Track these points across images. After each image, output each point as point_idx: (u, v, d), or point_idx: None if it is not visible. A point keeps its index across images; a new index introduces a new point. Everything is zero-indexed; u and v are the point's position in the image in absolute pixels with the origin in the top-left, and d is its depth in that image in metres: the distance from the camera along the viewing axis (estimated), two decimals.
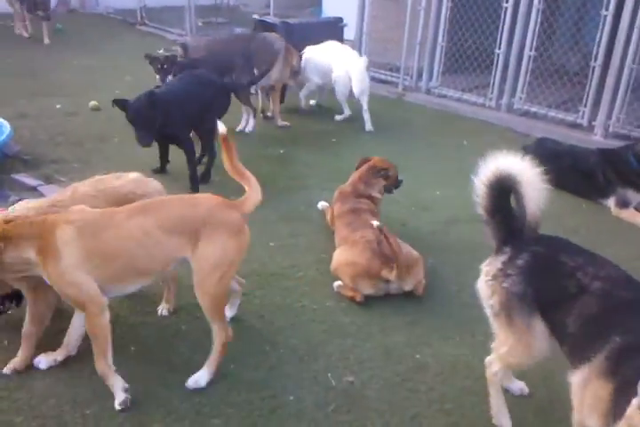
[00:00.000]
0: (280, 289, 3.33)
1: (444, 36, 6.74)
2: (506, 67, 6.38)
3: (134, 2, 11.18)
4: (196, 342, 2.84)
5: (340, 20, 7.88)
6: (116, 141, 5.44)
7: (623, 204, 4.39)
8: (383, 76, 7.57)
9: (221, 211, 2.51)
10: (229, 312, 3.00)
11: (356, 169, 4.03)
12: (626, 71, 5.52)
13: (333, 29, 7.66)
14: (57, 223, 2.39)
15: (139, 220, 2.43)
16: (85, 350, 2.73)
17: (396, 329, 3.04)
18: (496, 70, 6.45)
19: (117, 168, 4.65)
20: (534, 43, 6.06)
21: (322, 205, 4.25)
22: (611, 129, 5.82)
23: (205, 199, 2.59)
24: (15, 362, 2.64)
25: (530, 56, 6.14)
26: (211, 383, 2.59)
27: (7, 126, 4.80)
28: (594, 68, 5.77)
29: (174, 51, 5.66)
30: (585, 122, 6.02)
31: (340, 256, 3.37)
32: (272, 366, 2.74)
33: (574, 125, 6.11)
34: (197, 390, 2.55)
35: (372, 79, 7.65)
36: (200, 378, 2.58)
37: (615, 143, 5.59)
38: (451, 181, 4.97)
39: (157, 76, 5.29)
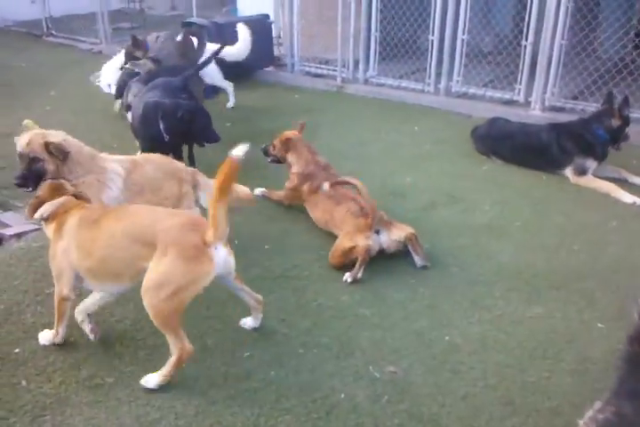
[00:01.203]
0: (291, 290, 3.30)
1: (377, 25, 6.85)
2: (440, 52, 6.57)
3: (36, 13, 10.55)
4: (228, 354, 2.78)
5: (267, 17, 7.84)
6: None
7: (582, 171, 4.67)
8: (319, 71, 7.60)
9: (180, 232, 2.48)
10: (252, 322, 2.95)
11: (285, 151, 4.24)
12: (556, 47, 5.85)
13: (262, 27, 7.62)
14: (72, 213, 2.69)
15: (111, 223, 2.60)
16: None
17: (418, 315, 3.10)
18: (431, 56, 6.64)
19: None
20: (466, 26, 6.29)
21: (259, 191, 4.41)
22: (547, 103, 6.15)
23: (172, 217, 2.61)
24: None
25: (463, 40, 6.37)
26: (258, 392, 2.55)
27: None
28: (525, 46, 6.07)
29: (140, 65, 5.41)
30: (521, 98, 6.33)
31: (337, 243, 3.57)
32: (312, 367, 2.72)
33: (511, 102, 6.43)
34: (247, 403, 2.50)
35: (308, 74, 7.73)
36: (150, 379, 2.58)
37: (552, 116, 5.95)
38: (416, 166, 5.10)
39: None
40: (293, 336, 2.93)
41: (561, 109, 6.13)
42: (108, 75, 6.02)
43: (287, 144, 4.23)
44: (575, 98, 6.21)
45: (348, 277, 3.34)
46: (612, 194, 4.49)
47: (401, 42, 6.94)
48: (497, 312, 3.13)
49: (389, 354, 2.82)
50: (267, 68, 7.93)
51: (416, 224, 3.91)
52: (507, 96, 6.42)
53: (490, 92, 6.52)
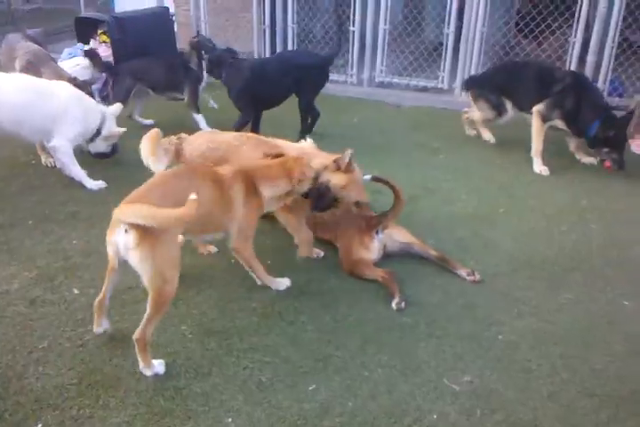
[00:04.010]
0: (321, 307, 3.04)
1: (293, 17, 6.61)
2: (361, 42, 6.51)
3: None
4: (291, 389, 2.49)
5: (167, 9, 7.23)
6: None
7: (546, 119, 4.77)
8: None
9: None
10: None
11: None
12: (477, 35, 6.02)
13: (164, 21, 7.03)
14: None
15: None
16: None
17: (460, 316, 3.00)
18: (353, 47, 6.54)
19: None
20: (388, 16, 6.26)
21: None
22: None
23: None
24: None
25: (385, 30, 6.35)
26: None
27: None
28: (447, 34, 6.18)
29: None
30: (445, 86, 6.46)
31: (343, 254, 3.40)
32: (386, 390, 2.51)
33: (435, 90, 6.54)
34: None
35: None
36: None
37: None
38: (376, 160, 4.93)
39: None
40: (349, 358, 2.70)
41: None
42: None
43: None
44: None
45: (395, 305, 3.05)
46: (532, 155, 4.79)
47: (320, 33, 6.76)
48: (532, 303, 3.12)
49: (455, 362, 2.69)
50: None
51: (407, 219, 3.82)
52: (431, 84, 6.52)
53: (414, 81, 6.58)
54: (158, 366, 2.55)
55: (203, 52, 5.22)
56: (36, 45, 5.18)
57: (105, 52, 6.43)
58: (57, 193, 4.23)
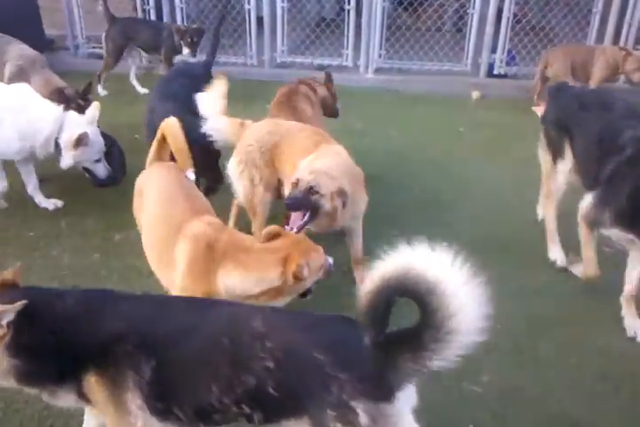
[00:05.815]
0: None
1: None
2: (259, 22, 6.13)
3: None
4: None
5: None
6: None
7: None
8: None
9: None
10: None
11: None
12: (379, 9, 5.87)
13: (27, 3, 6.13)
14: None
15: None
16: None
17: None
18: (250, 28, 6.14)
19: None
20: None
21: None
22: (375, 65, 6.22)
23: None
24: None
25: (283, 8, 6.02)
26: None
27: None
28: (348, 10, 5.98)
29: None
30: (350, 63, 6.29)
31: None
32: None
33: (341, 68, 6.34)
34: None
35: (91, 56, 6.55)
36: None
37: (386, 78, 6.07)
38: None
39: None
40: None
41: (392, 70, 6.25)
42: None
43: None
44: None
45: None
46: None
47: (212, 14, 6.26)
48: (512, 284, 3.05)
49: (465, 363, 2.56)
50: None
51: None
52: (336, 62, 6.31)
53: (318, 60, 6.33)
54: None
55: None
56: (31, 50, 4.33)
57: None
58: None
